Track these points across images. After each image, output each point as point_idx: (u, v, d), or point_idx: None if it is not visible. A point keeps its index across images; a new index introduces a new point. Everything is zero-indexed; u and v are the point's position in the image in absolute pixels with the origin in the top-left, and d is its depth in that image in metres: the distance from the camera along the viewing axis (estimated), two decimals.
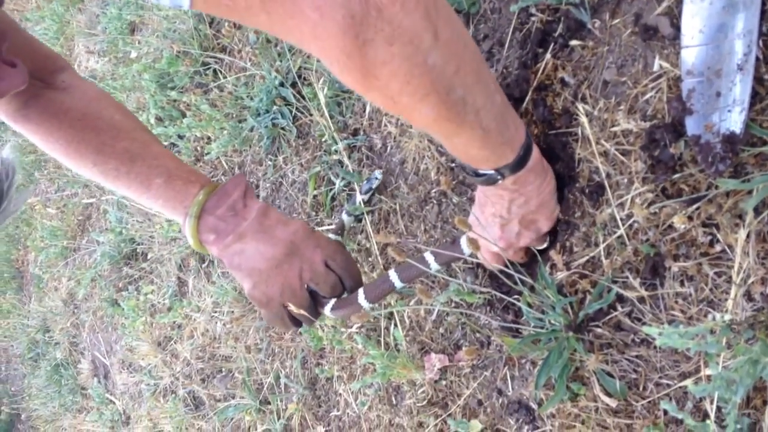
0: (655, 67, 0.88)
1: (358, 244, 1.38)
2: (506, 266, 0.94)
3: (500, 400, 1.05)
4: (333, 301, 0.99)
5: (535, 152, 0.86)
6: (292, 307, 0.94)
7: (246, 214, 0.92)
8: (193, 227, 0.92)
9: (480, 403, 1.08)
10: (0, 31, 0.68)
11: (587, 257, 0.94)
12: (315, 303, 0.98)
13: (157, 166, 0.93)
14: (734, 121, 0.78)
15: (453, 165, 1.19)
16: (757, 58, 0.78)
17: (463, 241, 1.05)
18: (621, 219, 0.89)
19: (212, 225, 0.92)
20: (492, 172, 0.83)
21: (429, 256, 1.03)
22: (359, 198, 1.32)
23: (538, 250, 0.99)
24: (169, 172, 0.93)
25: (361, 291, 0.99)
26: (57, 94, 0.93)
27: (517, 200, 0.89)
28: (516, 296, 1.00)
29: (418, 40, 0.60)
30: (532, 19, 1.05)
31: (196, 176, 0.95)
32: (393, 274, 1.01)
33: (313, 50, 0.61)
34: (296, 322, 0.98)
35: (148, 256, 2.23)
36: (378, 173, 1.33)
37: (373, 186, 1.33)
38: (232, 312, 1.75)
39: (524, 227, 0.94)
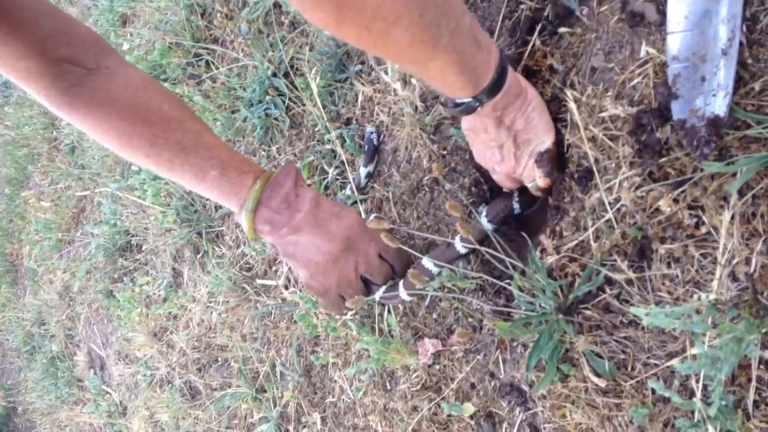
0: (642, 53, 0.89)
1: None
2: (519, 235, 1.01)
3: (492, 383, 1.07)
4: (383, 288, 1.09)
5: (511, 73, 0.88)
6: (346, 297, 1.02)
7: (299, 205, 0.94)
8: (250, 220, 0.94)
9: (473, 386, 1.10)
10: None
11: (576, 241, 0.96)
12: (367, 288, 1.06)
13: (210, 158, 0.93)
14: (718, 105, 0.79)
15: (444, 152, 1.20)
16: (741, 43, 0.79)
17: (458, 242, 1.08)
18: (609, 203, 0.91)
19: (267, 217, 0.94)
20: (470, 99, 0.85)
21: (428, 262, 1.07)
22: (364, 171, 1.34)
23: (528, 236, 1.00)
24: (223, 163, 0.93)
25: (401, 285, 1.09)
26: (101, 82, 0.91)
27: (504, 122, 0.92)
28: (507, 281, 1.02)
29: None
30: (521, 6, 1.06)
31: (249, 166, 0.96)
32: (428, 261, 1.06)
33: None
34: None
35: (143, 248, 2.24)
36: (371, 128, 1.33)
37: (375, 142, 1.33)
38: (228, 302, 1.76)
39: (518, 148, 0.95)
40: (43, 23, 0.86)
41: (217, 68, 1.83)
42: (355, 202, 1.34)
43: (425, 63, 0.76)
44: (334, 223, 0.96)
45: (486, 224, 1.06)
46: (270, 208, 0.94)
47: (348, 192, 1.37)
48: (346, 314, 1.31)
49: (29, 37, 0.84)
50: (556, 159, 0.98)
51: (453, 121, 1.18)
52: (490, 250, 1.02)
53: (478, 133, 0.95)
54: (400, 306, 1.26)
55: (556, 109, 1.00)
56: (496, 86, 0.86)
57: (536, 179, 0.97)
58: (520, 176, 0.98)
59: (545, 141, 0.96)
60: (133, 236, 2.29)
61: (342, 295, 1.01)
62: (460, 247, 1.08)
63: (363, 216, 1.32)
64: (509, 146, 0.94)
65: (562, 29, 1.00)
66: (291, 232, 0.94)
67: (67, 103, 0.91)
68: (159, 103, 0.94)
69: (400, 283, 1.06)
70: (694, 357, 0.82)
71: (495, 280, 1.04)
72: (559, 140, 0.98)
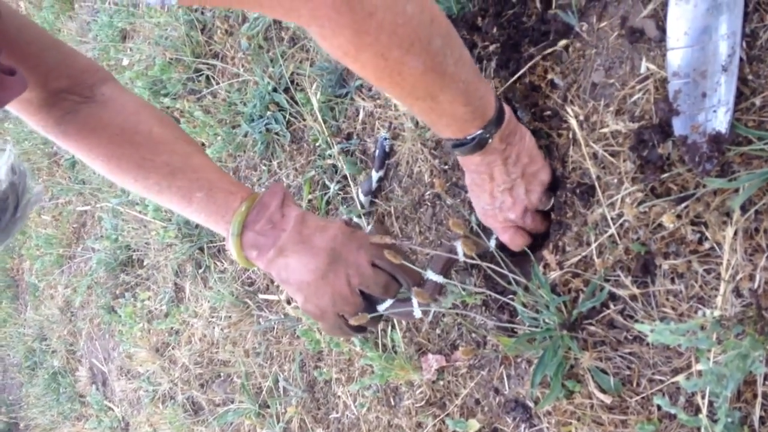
0: (642, 69, 0.90)
1: None
2: (531, 240, 0.99)
3: (497, 399, 1.06)
4: (389, 301, 0.96)
5: (506, 106, 0.91)
6: (348, 316, 0.91)
7: (284, 225, 0.90)
8: (237, 245, 0.90)
9: (477, 402, 1.10)
10: None
11: (579, 256, 0.96)
12: (372, 305, 0.95)
13: (197, 179, 0.91)
14: (720, 121, 0.80)
15: (446, 167, 1.21)
16: (741, 59, 0.79)
17: (458, 244, 1.07)
18: (612, 218, 0.91)
19: (253, 241, 0.89)
20: (481, 131, 0.87)
21: (432, 275, 1.05)
22: (375, 175, 1.33)
23: (531, 250, 1.00)
24: (210, 184, 0.91)
25: (415, 301, 0.97)
26: (95, 109, 0.92)
27: (510, 158, 0.92)
28: (511, 296, 1.02)
29: None
30: (522, 20, 1.07)
31: (237, 188, 0.93)
32: (431, 274, 1.01)
33: (305, 15, 0.64)
34: (357, 328, 0.96)
35: (144, 263, 2.24)
36: (385, 133, 1.33)
37: (387, 149, 1.33)
38: (230, 317, 1.76)
39: (528, 182, 0.96)
40: (46, 56, 0.87)
41: (218, 83, 1.83)
42: (365, 212, 1.34)
43: (436, 96, 0.78)
44: (318, 236, 0.90)
45: (492, 243, 1.05)
46: (255, 231, 0.90)
47: (361, 197, 1.36)
48: (350, 340, 1.29)
49: (33, 71, 0.85)
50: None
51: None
52: (492, 265, 1.02)
53: (484, 184, 0.95)
54: (403, 320, 1.25)
55: (557, 125, 1.00)
56: (500, 116, 0.88)
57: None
58: (534, 208, 0.98)
59: (546, 168, 0.97)
60: (134, 251, 2.29)
61: (342, 315, 0.93)
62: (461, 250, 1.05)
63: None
64: (520, 183, 0.95)
65: (561, 44, 1.00)
66: (278, 254, 0.89)
67: (61, 131, 0.92)
68: (149, 126, 0.93)
69: (414, 300, 0.99)
70: (699, 373, 0.82)
71: (498, 296, 1.04)
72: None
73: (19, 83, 0.69)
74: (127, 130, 0.92)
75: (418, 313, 0.99)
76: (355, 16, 0.65)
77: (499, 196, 0.96)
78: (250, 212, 0.90)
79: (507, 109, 0.91)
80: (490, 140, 0.88)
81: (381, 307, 0.97)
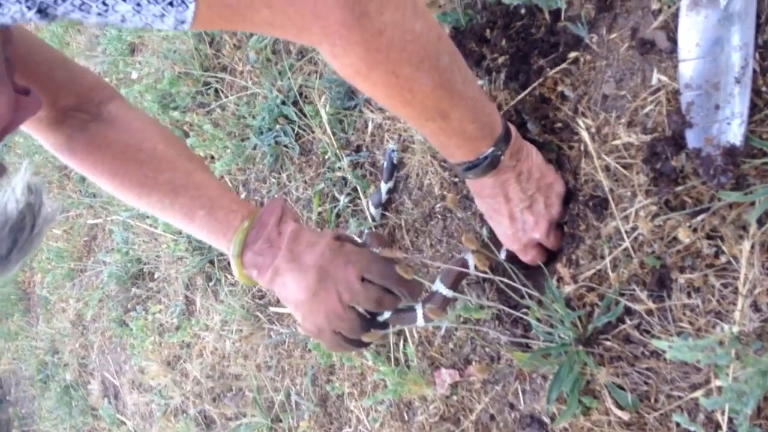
0: (654, 81, 0.89)
1: None
2: (548, 256, 0.99)
3: (512, 415, 1.05)
4: (387, 313, 0.94)
5: (509, 123, 0.92)
6: (345, 333, 0.89)
7: (280, 243, 0.89)
8: (238, 266, 0.90)
9: (492, 417, 1.08)
10: (12, 61, 0.69)
11: (594, 270, 0.95)
12: (373, 317, 0.93)
13: (199, 197, 0.91)
14: (734, 133, 0.79)
15: (456, 179, 1.20)
16: (754, 71, 0.79)
17: (470, 257, 1.06)
18: (626, 232, 0.90)
19: (252, 261, 0.89)
20: (492, 149, 0.86)
21: (443, 288, 1.04)
22: (384, 187, 1.32)
23: (544, 264, 0.99)
24: (211, 202, 0.91)
25: (419, 311, 0.96)
26: (101, 127, 0.93)
27: (523, 174, 0.92)
28: (524, 310, 1.01)
29: (402, 8, 0.67)
30: (531, 31, 1.06)
31: (238, 205, 0.92)
32: (441, 287, 1.00)
33: (316, 33, 0.65)
34: (359, 342, 0.94)
35: (155, 276, 2.24)
36: (393, 145, 1.32)
37: (395, 161, 1.32)
38: (241, 330, 1.76)
39: (546, 195, 0.95)
40: (56, 75, 0.88)
41: (227, 96, 1.84)
42: (377, 225, 1.34)
43: (446, 114, 0.78)
44: (307, 254, 0.88)
45: (503, 255, 1.05)
46: (254, 251, 0.89)
47: (371, 210, 1.35)
48: (362, 354, 1.27)
49: (44, 90, 0.85)
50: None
51: None
52: (505, 279, 1.01)
53: (501, 207, 0.94)
54: (415, 334, 1.25)
55: (568, 137, 0.99)
56: (507, 132, 0.88)
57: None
58: (556, 221, 0.97)
59: (559, 179, 0.97)
60: (145, 264, 2.30)
61: (340, 332, 0.90)
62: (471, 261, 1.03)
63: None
64: (538, 198, 0.94)
65: (572, 55, 1.00)
66: (275, 274, 0.88)
67: (68, 149, 0.93)
68: (153, 143, 0.94)
69: (419, 312, 0.97)
70: (718, 389, 0.81)
71: (511, 310, 1.03)
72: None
73: (34, 103, 0.70)
74: (132, 147, 0.93)
75: (421, 321, 0.97)
76: (366, 33, 0.65)
77: (519, 217, 0.95)
78: (249, 232, 0.89)
79: (512, 126, 0.91)
80: (502, 157, 0.87)
81: (381, 318, 0.96)
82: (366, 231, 0.99)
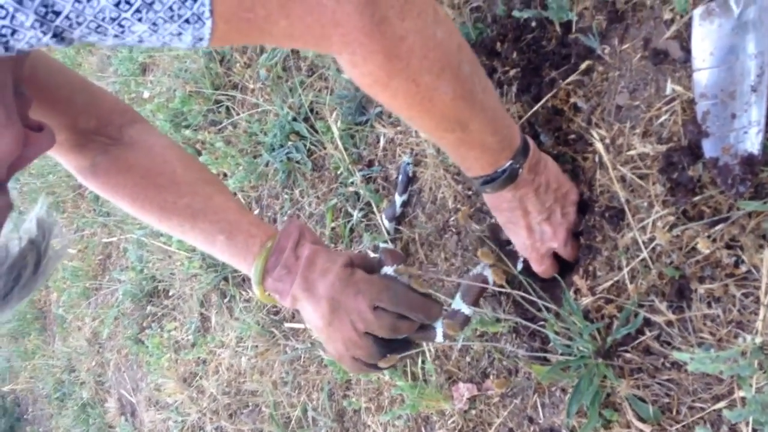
0: (668, 91, 0.89)
1: None
2: (561, 268, 0.99)
3: (532, 429, 1.04)
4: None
5: (527, 137, 0.91)
6: (363, 359, 0.89)
7: (297, 269, 0.89)
8: (261, 292, 0.91)
9: (511, 431, 1.08)
10: (27, 96, 0.69)
11: (611, 281, 0.94)
12: (391, 341, 0.91)
13: (218, 221, 0.92)
14: (751, 142, 0.78)
15: (469, 192, 1.20)
16: None
17: (488, 272, 1.05)
18: (643, 242, 0.89)
19: (273, 287, 0.90)
20: (510, 161, 0.86)
21: (465, 308, 1.02)
22: (399, 199, 1.32)
23: (560, 276, 0.99)
24: (231, 227, 0.91)
25: (439, 329, 0.95)
26: (122, 151, 0.93)
27: (541, 186, 0.92)
28: (542, 323, 1.00)
29: (424, 14, 0.65)
30: (542, 44, 1.06)
31: (257, 229, 0.92)
32: (463, 306, 0.99)
33: (336, 42, 0.64)
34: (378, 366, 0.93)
35: (170, 293, 2.25)
36: (408, 158, 1.32)
37: (410, 174, 1.32)
38: (257, 346, 1.76)
39: (563, 206, 0.95)
40: (76, 99, 0.89)
41: (238, 114, 1.85)
42: (392, 238, 1.34)
43: (466, 125, 0.77)
44: (320, 283, 0.88)
45: (519, 266, 1.04)
46: (273, 278, 0.89)
47: (385, 223, 1.35)
48: (380, 372, 1.26)
49: (64, 114, 0.87)
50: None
51: None
52: (521, 293, 1.00)
53: (519, 220, 0.94)
54: (432, 348, 1.24)
55: (582, 148, 0.99)
56: (525, 145, 0.87)
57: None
58: (573, 229, 0.98)
59: (573, 187, 0.97)
60: (159, 282, 2.31)
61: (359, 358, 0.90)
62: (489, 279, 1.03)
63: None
64: (555, 209, 0.94)
65: (584, 66, 1.00)
66: (293, 302, 0.89)
67: (91, 173, 0.93)
68: (173, 167, 0.94)
69: (438, 329, 0.97)
70: (742, 400, 0.80)
71: (528, 323, 1.03)
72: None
73: (46, 139, 0.69)
74: (152, 172, 0.93)
75: (440, 338, 0.96)
76: (386, 41, 0.64)
77: (537, 228, 0.95)
78: (269, 258, 0.90)
79: (529, 138, 0.91)
80: (520, 171, 0.87)
81: (437, 339, 0.95)
82: (381, 246, 0.98)
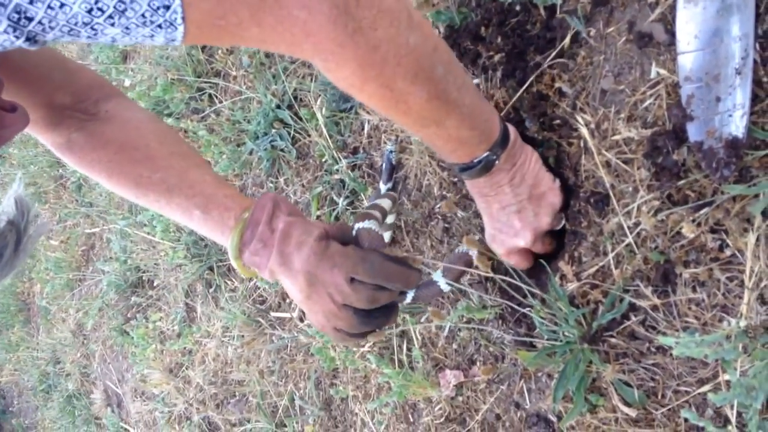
0: (653, 74, 0.88)
1: None
2: (537, 261, 0.98)
3: (518, 414, 1.05)
4: (411, 293, 0.99)
5: (510, 126, 0.91)
6: (345, 329, 0.89)
7: (273, 242, 0.87)
8: (239, 265, 0.90)
9: (498, 417, 1.08)
10: None
11: (597, 267, 0.94)
12: (372, 311, 0.90)
13: (193, 196, 0.90)
14: (736, 125, 0.78)
15: (455, 179, 1.19)
16: (755, 61, 0.78)
17: (473, 253, 1.05)
18: (628, 227, 0.89)
19: (250, 261, 0.89)
20: (487, 153, 0.87)
21: (442, 282, 1.03)
22: (383, 188, 1.31)
23: (547, 261, 0.98)
24: (206, 201, 0.90)
25: (441, 279, 0.99)
26: (99, 126, 0.92)
27: (516, 179, 0.92)
28: (528, 308, 1.00)
29: (396, 22, 0.66)
30: (527, 27, 1.05)
31: (233, 201, 0.91)
32: (441, 280, 1.01)
33: (307, 49, 0.64)
34: (362, 335, 0.92)
35: (155, 284, 2.23)
36: (391, 146, 1.32)
37: (393, 162, 1.31)
38: (243, 336, 1.75)
39: (537, 205, 0.95)
40: (53, 76, 0.87)
41: (221, 102, 1.83)
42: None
43: (442, 122, 0.78)
44: (296, 257, 0.86)
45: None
46: (250, 251, 0.88)
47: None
48: (365, 357, 1.27)
49: (40, 91, 0.86)
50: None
51: None
52: (507, 278, 1.00)
53: (491, 207, 0.94)
54: (419, 335, 1.24)
55: (567, 133, 0.99)
56: (505, 136, 0.88)
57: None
58: (543, 232, 0.97)
59: (555, 191, 0.96)
60: (144, 272, 2.29)
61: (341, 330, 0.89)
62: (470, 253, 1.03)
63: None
64: (527, 206, 0.94)
65: (569, 51, 0.99)
66: (271, 276, 0.88)
67: (67, 148, 0.92)
68: (147, 141, 0.93)
69: (438, 275, 0.96)
70: (727, 383, 0.80)
71: (516, 307, 1.03)
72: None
73: (20, 120, 0.69)
74: (126, 147, 0.92)
75: (446, 287, 1.00)
76: (359, 50, 0.65)
77: (506, 220, 0.95)
78: (244, 232, 0.88)
79: (512, 129, 0.91)
80: (497, 162, 0.88)
81: (407, 298, 0.97)
82: (356, 228, 0.95)
